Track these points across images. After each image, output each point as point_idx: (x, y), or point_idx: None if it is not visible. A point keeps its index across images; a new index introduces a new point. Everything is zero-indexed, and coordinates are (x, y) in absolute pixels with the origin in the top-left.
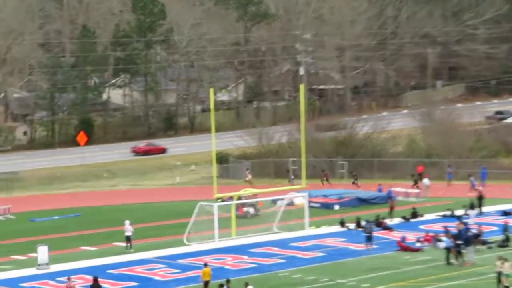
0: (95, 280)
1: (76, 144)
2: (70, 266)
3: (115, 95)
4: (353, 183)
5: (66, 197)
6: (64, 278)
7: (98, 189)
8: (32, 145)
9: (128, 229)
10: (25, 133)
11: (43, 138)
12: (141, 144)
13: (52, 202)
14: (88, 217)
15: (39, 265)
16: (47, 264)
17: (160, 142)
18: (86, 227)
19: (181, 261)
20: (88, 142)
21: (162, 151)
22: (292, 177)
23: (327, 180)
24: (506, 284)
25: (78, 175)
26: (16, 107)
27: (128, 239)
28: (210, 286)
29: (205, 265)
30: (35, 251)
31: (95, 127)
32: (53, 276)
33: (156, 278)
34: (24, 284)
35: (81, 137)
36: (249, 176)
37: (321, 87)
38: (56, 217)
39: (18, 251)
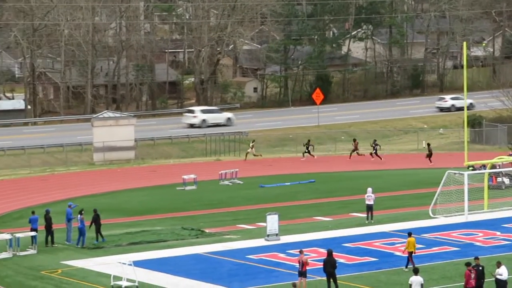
0: (330, 254)
1: (311, 102)
2: (302, 238)
3: (356, 49)
4: (371, 153)
5: (299, 161)
6: (295, 251)
7: (334, 153)
8: (263, 102)
9: (371, 197)
10: (255, 89)
11: (274, 96)
12: None
13: (283, 167)
14: (323, 184)
15: (268, 235)
16: (276, 234)
17: (405, 102)
18: (320, 195)
19: (425, 235)
20: (325, 101)
21: None
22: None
23: (356, 151)
24: None
25: (313, 137)
26: (246, 61)
27: (369, 208)
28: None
29: (409, 234)
30: (264, 220)
31: (332, 84)
32: (283, 248)
33: (397, 253)
34: (251, 256)
35: (317, 95)
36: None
37: None
38: (287, 183)
39: (245, 220)
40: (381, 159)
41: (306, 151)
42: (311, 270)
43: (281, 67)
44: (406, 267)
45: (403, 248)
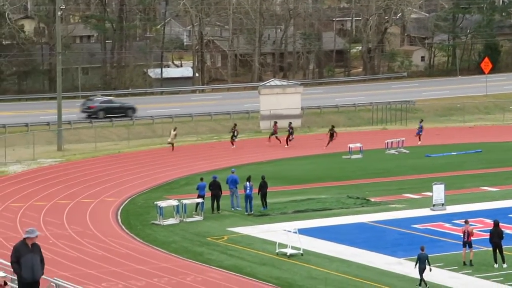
0: (496, 224)
1: (479, 71)
2: (468, 208)
3: None
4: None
5: (466, 131)
6: (460, 221)
7: (502, 123)
8: (430, 71)
9: None
10: (422, 58)
11: (442, 64)
12: None
13: (450, 136)
14: (490, 154)
15: (434, 205)
16: (442, 204)
17: None
18: (487, 165)
19: None
20: (493, 70)
21: None
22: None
23: (274, 134)
24: None
25: (481, 107)
26: (414, 29)
27: None
28: None
29: None
30: (430, 189)
31: (501, 53)
32: (448, 218)
33: None
34: (416, 226)
35: (486, 64)
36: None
37: None
38: (454, 153)
39: (411, 189)
40: (280, 142)
41: (233, 136)
42: (476, 241)
43: (449, 36)
44: None
45: None
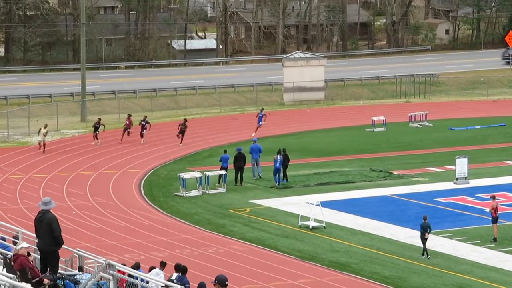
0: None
1: (503, 45)
2: (491, 182)
3: None
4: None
5: (490, 104)
6: (484, 195)
7: None
8: (454, 45)
9: None
10: (446, 31)
11: (466, 38)
12: None
13: (474, 110)
14: None
15: (457, 179)
16: (465, 178)
17: None
18: (511, 139)
19: None
20: None
21: None
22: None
23: (128, 129)
24: None
25: (505, 80)
26: (438, 2)
27: None
28: None
29: None
30: (453, 163)
31: None
32: (471, 191)
33: None
34: (439, 199)
35: (510, 38)
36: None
37: None
38: (477, 127)
39: (434, 163)
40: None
41: (96, 132)
42: (500, 215)
43: (473, 9)
44: None
45: None
